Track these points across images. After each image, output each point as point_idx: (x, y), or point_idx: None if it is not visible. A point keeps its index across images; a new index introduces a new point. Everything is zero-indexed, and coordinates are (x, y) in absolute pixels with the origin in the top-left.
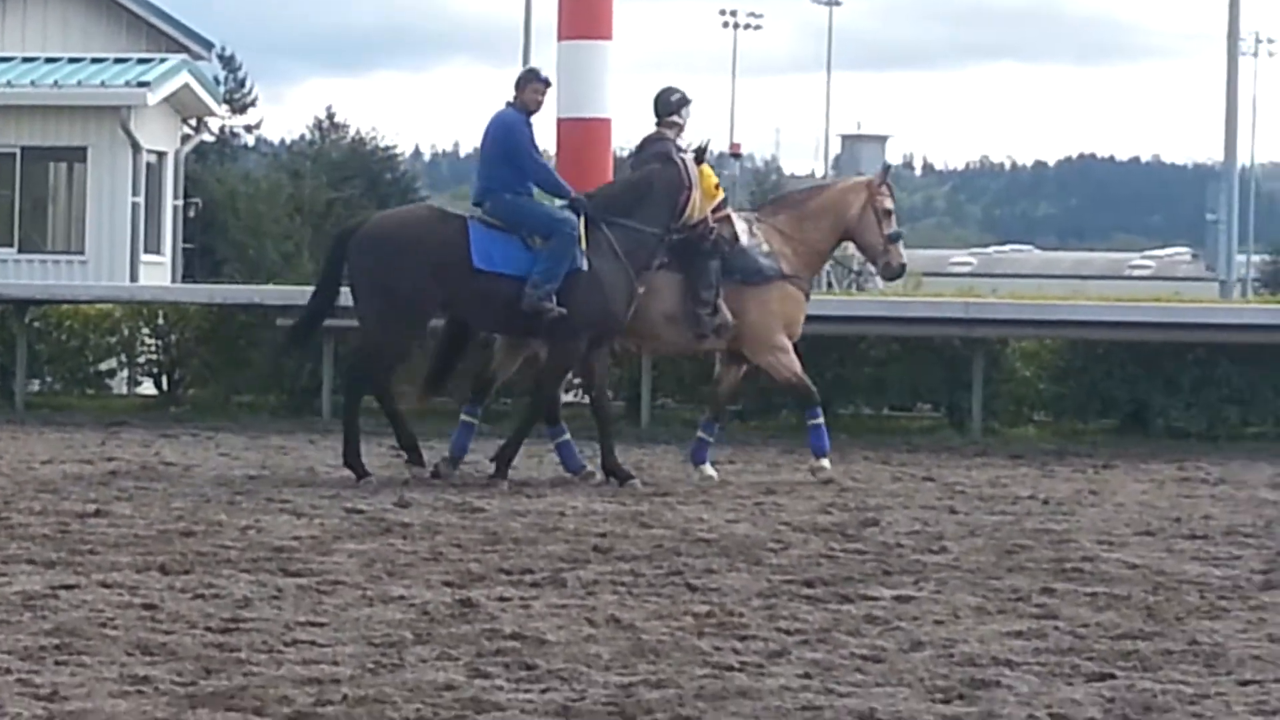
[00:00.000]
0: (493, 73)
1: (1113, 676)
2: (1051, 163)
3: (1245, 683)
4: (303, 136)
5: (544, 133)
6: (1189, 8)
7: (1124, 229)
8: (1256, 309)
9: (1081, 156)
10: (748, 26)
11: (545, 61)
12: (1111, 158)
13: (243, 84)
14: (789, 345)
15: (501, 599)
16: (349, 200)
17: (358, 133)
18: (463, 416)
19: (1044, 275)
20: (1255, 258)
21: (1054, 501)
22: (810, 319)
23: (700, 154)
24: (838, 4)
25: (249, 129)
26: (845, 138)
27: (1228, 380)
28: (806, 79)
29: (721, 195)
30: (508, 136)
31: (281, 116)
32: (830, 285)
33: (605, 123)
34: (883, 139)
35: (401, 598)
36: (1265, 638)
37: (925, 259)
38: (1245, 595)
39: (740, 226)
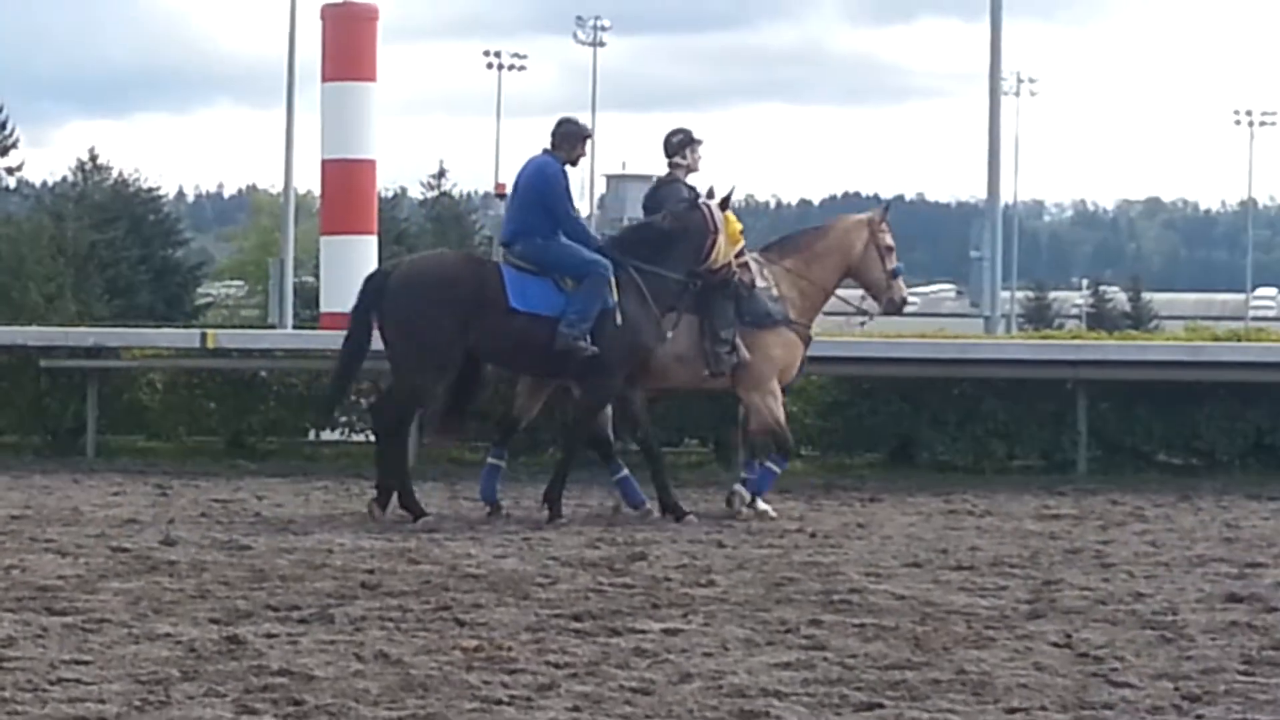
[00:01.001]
0: (255, 114)
1: (881, 706)
2: (816, 201)
3: (1012, 710)
4: (65, 179)
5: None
6: (952, 48)
7: None
8: (1019, 344)
9: (846, 195)
10: (512, 67)
11: (309, 103)
12: (876, 196)
13: (3, 126)
14: (779, 392)
15: (269, 635)
16: (112, 242)
17: (120, 174)
18: (489, 460)
19: None
20: (1018, 294)
21: (821, 534)
22: None
23: (725, 201)
24: (602, 45)
25: (10, 171)
26: (610, 177)
27: (992, 414)
28: None
29: (743, 242)
30: (548, 185)
31: (44, 159)
32: None
33: (370, 164)
34: (648, 178)
35: (168, 635)
36: (1032, 666)
37: None
38: (1011, 625)
39: (752, 270)
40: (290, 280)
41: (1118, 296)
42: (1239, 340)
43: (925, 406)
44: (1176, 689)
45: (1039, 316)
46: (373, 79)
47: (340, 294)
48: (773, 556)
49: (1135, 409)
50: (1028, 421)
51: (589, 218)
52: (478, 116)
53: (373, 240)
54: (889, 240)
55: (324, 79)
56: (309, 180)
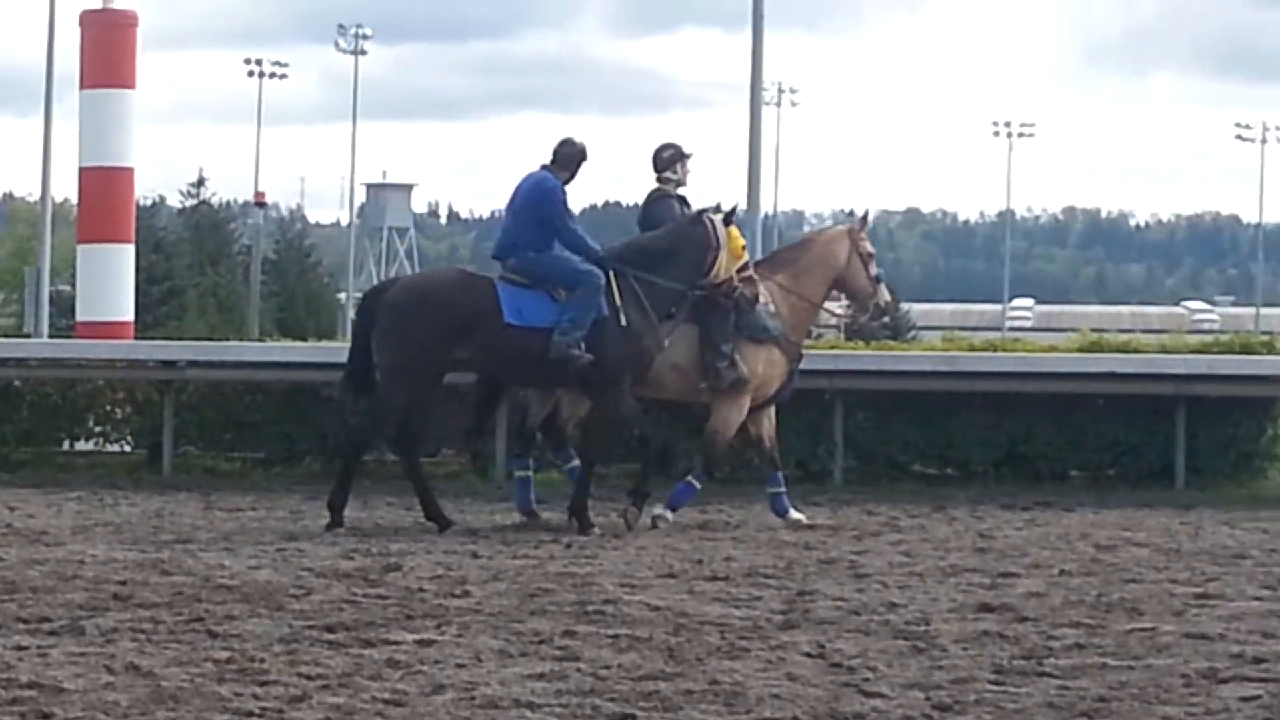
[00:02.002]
0: (12, 122)
1: (633, 717)
2: (577, 210)
3: None
4: None
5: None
6: (714, 57)
7: None
8: None
9: (608, 204)
10: (273, 75)
11: (68, 110)
12: (636, 205)
13: None
14: (745, 409)
15: (18, 648)
16: None
17: None
18: (516, 473)
19: None
20: None
21: (577, 545)
22: (336, 366)
23: (729, 216)
24: (363, 53)
25: None
26: (370, 186)
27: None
28: (332, 128)
29: (746, 256)
30: (546, 201)
31: None
32: None
33: (128, 172)
34: (408, 187)
35: None
36: (785, 676)
37: None
38: (765, 635)
39: (757, 285)
40: (46, 289)
41: None
42: (994, 351)
43: (682, 417)
44: (928, 699)
45: None
46: (132, 86)
47: (97, 303)
48: (527, 567)
49: (891, 419)
50: (784, 431)
51: (349, 226)
52: (238, 125)
53: (130, 249)
54: (870, 247)
55: (82, 86)
56: (66, 188)
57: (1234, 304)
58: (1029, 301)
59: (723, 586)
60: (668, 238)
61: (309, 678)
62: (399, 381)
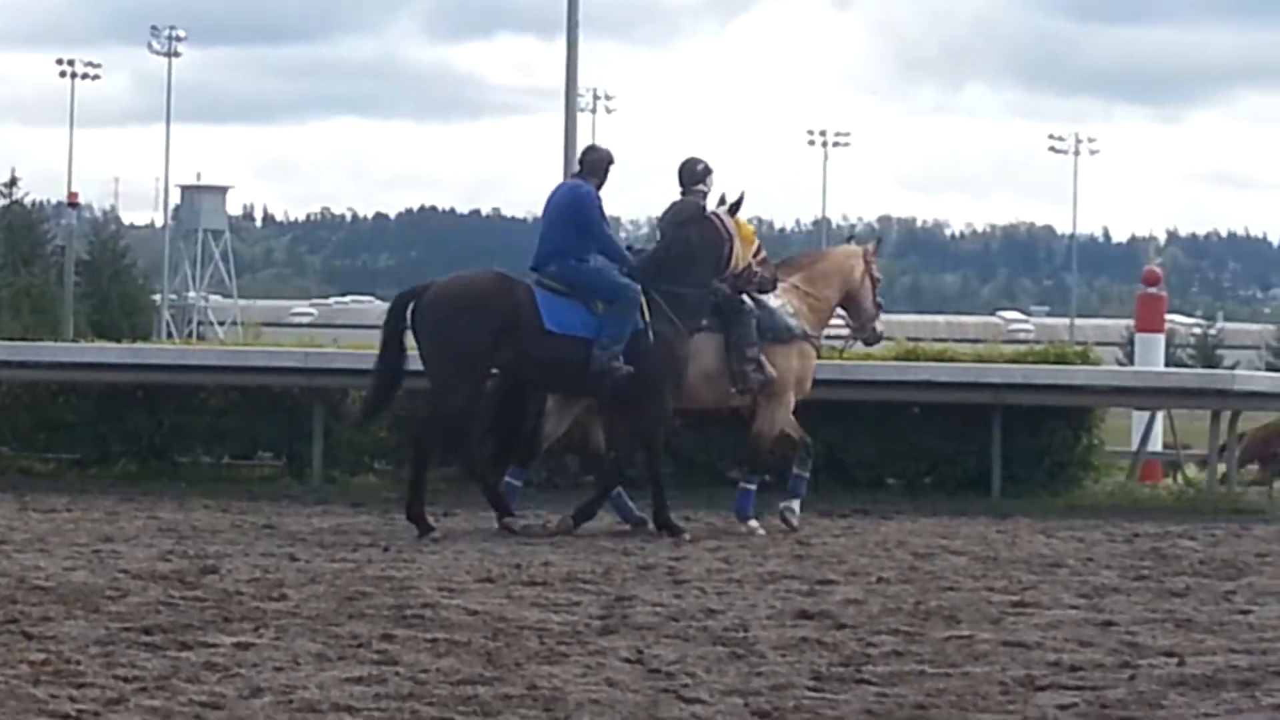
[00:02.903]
0: None
1: None
2: (393, 215)
3: None
4: None
5: None
6: (529, 64)
7: None
8: None
9: (423, 209)
10: (85, 76)
11: None
12: (452, 210)
13: None
14: (793, 405)
15: None
16: None
17: None
18: (506, 479)
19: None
20: None
21: (395, 549)
22: (154, 368)
23: (735, 206)
24: (177, 55)
25: None
26: (185, 188)
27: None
28: (145, 129)
29: (757, 241)
30: (582, 206)
31: None
32: None
33: None
34: (223, 190)
35: None
36: (603, 681)
37: (266, 310)
38: (584, 640)
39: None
40: None
41: None
42: None
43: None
44: (746, 705)
45: None
46: None
47: None
48: (345, 570)
49: (710, 427)
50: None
51: (163, 228)
52: (51, 126)
53: None
54: (877, 273)
55: None
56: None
57: (1049, 314)
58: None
59: (541, 591)
60: (682, 243)
61: (126, 680)
62: (453, 385)
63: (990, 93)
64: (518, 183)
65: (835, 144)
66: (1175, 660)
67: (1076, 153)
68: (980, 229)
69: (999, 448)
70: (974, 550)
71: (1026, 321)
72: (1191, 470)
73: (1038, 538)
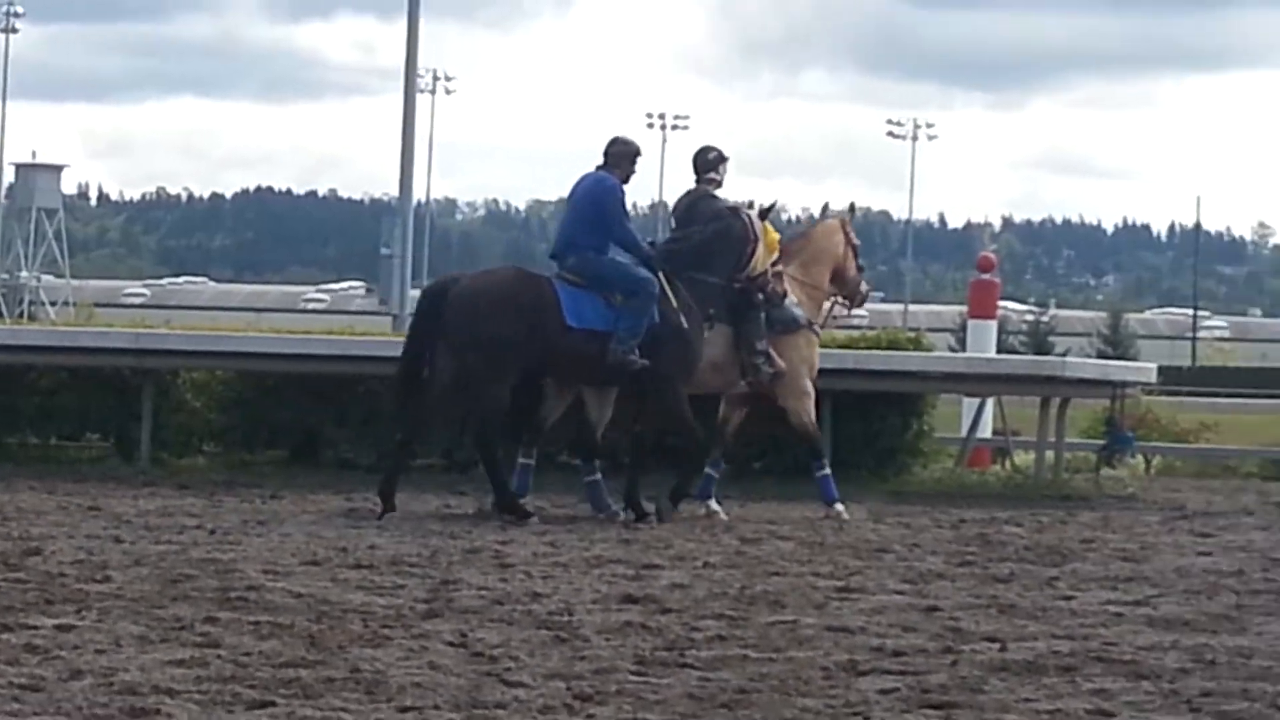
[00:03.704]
0: None
1: (274, 704)
2: (228, 195)
3: (405, 709)
4: None
5: None
6: (369, 44)
7: (299, 262)
8: None
9: (259, 190)
10: None
11: None
12: (289, 191)
13: None
14: (812, 391)
15: None
16: None
17: None
18: (520, 460)
19: (219, 307)
20: None
21: (221, 531)
22: None
23: (765, 212)
24: (14, 31)
25: None
26: (19, 166)
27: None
28: None
29: (778, 252)
30: (606, 200)
31: None
32: None
33: None
34: (58, 168)
35: None
36: (427, 665)
37: (99, 290)
38: (408, 624)
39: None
40: None
41: None
42: None
43: (330, 404)
44: (569, 689)
45: None
46: None
47: None
48: (170, 553)
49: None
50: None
51: None
52: None
53: None
54: (855, 239)
55: None
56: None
57: (883, 300)
58: None
59: (366, 575)
60: (709, 233)
61: None
62: (492, 379)
63: (829, 77)
64: (356, 164)
65: (674, 127)
66: (997, 645)
67: (914, 138)
68: (817, 213)
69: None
70: (800, 535)
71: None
72: (1020, 457)
73: (865, 524)
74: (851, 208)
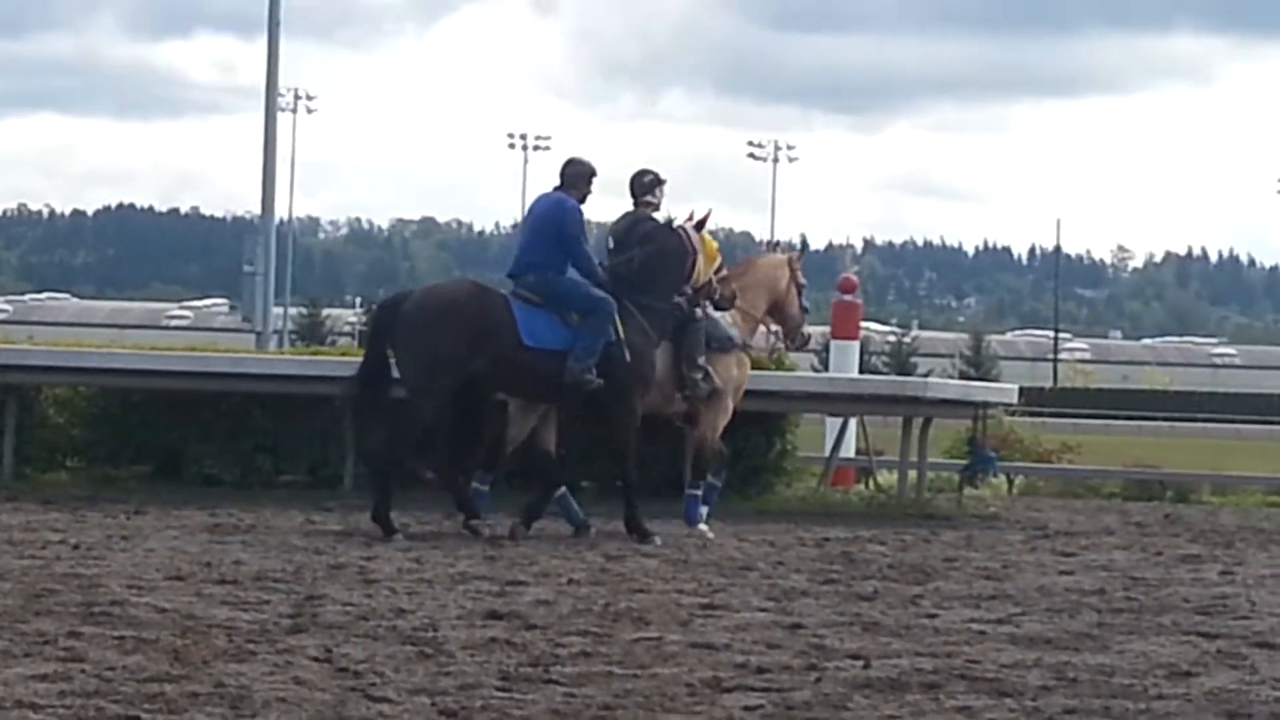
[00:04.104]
0: None
1: (138, 719)
2: (91, 212)
3: None
4: None
5: None
6: (230, 62)
7: (162, 279)
8: (288, 360)
9: (121, 206)
10: None
11: None
12: (151, 208)
13: None
14: (729, 413)
15: None
16: None
17: None
18: (475, 485)
19: (81, 324)
20: (291, 310)
21: (85, 546)
22: None
23: (700, 223)
24: None
25: None
26: None
27: (261, 429)
28: None
29: (720, 260)
30: (565, 221)
31: None
32: None
33: None
34: None
35: None
36: (291, 680)
37: None
38: (273, 639)
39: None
40: None
41: None
42: None
43: (194, 420)
44: (434, 704)
45: (312, 333)
46: None
47: None
48: (34, 568)
49: None
50: (296, 437)
51: None
52: None
53: None
54: (802, 279)
55: None
56: None
57: None
58: None
59: (231, 590)
60: (650, 253)
61: None
62: (424, 393)
63: (690, 99)
64: (218, 182)
65: (536, 147)
66: (861, 663)
67: (775, 160)
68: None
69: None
70: (665, 553)
71: None
72: (883, 476)
73: (729, 541)
74: (803, 247)
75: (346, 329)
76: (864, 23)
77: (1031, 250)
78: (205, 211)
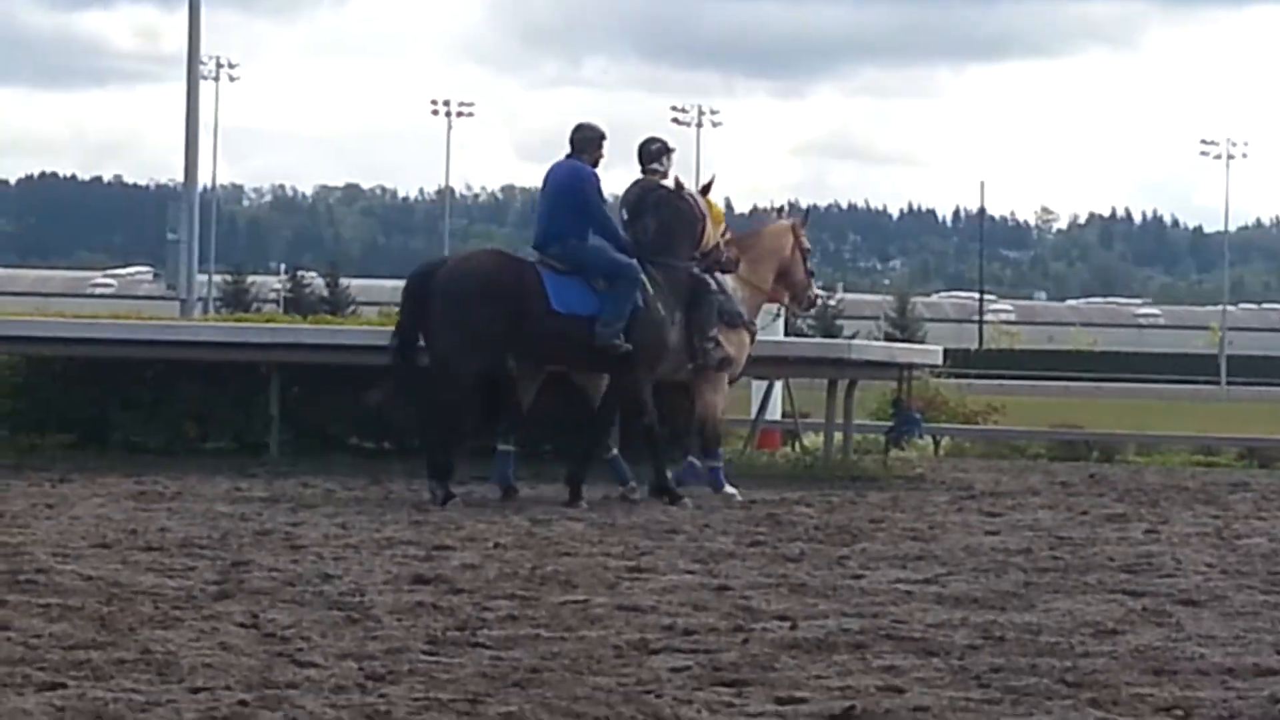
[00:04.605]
0: None
1: (64, 686)
2: (13, 181)
3: (196, 690)
4: None
5: None
6: (152, 30)
7: (86, 248)
8: (213, 327)
9: (44, 175)
10: None
11: None
12: (74, 177)
13: None
14: (726, 387)
15: None
16: None
17: None
18: (499, 447)
19: (4, 293)
20: (216, 277)
21: (9, 515)
22: None
23: (706, 188)
24: None
25: None
26: None
27: (186, 396)
28: None
29: (724, 223)
30: (584, 188)
31: None
32: None
33: None
34: None
35: None
36: (217, 646)
37: None
38: (199, 605)
39: (719, 274)
40: None
41: (316, 282)
42: None
43: (118, 388)
44: (361, 668)
45: (237, 300)
46: None
47: None
48: None
49: (328, 392)
50: (221, 404)
51: None
52: None
53: None
54: (807, 243)
55: None
56: None
57: None
58: None
59: (157, 557)
60: (664, 219)
61: None
62: (464, 363)
63: (612, 64)
64: (141, 150)
65: (459, 114)
66: (788, 624)
67: (699, 124)
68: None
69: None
70: (592, 516)
71: None
72: (809, 438)
73: (655, 505)
74: (806, 212)
75: (271, 296)
76: None
77: (956, 212)
78: (129, 180)
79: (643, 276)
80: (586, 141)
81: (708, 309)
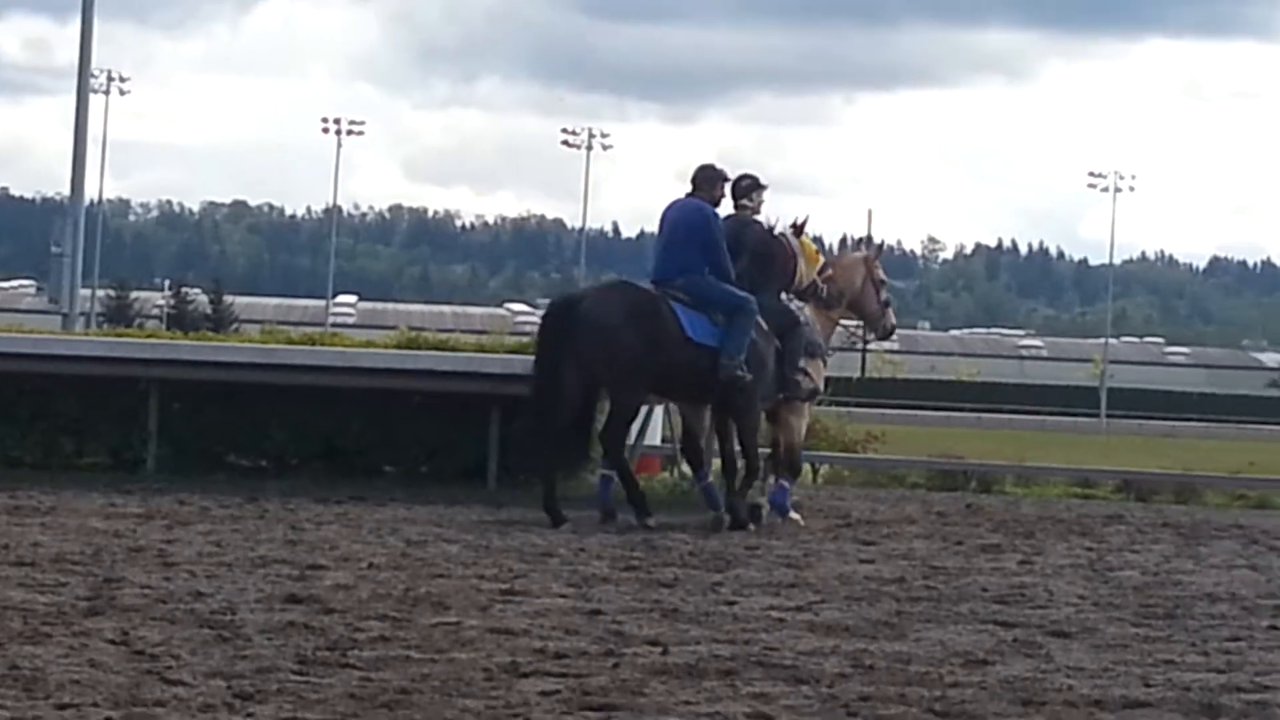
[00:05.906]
0: None
1: None
2: None
3: (63, 706)
4: None
5: None
6: (42, 42)
7: None
8: (93, 341)
9: None
10: None
11: None
12: None
13: None
14: (808, 416)
15: None
16: None
17: None
18: (601, 471)
19: None
20: (100, 292)
21: None
22: None
23: (799, 228)
24: None
25: None
26: None
27: (64, 411)
28: None
29: (822, 260)
30: (707, 226)
31: None
32: None
33: None
34: None
35: None
36: (87, 663)
37: None
38: (69, 621)
39: (796, 303)
40: None
41: (200, 298)
42: (313, 344)
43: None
44: (229, 687)
45: (120, 315)
46: None
47: None
48: None
49: (207, 409)
50: (99, 419)
51: None
52: None
53: None
54: (882, 275)
55: None
56: None
57: None
58: (352, 298)
59: (29, 572)
60: (756, 260)
61: None
62: (629, 390)
63: (504, 86)
64: (27, 162)
65: (349, 132)
66: (659, 649)
67: (589, 148)
68: (491, 220)
69: (496, 438)
70: (467, 539)
71: (533, 314)
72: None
73: (532, 528)
74: (879, 247)
75: (155, 312)
76: (680, 12)
77: (843, 240)
78: (15, 192)
79: (757, 313)
80: (708, 180)
81: (797, 342)
